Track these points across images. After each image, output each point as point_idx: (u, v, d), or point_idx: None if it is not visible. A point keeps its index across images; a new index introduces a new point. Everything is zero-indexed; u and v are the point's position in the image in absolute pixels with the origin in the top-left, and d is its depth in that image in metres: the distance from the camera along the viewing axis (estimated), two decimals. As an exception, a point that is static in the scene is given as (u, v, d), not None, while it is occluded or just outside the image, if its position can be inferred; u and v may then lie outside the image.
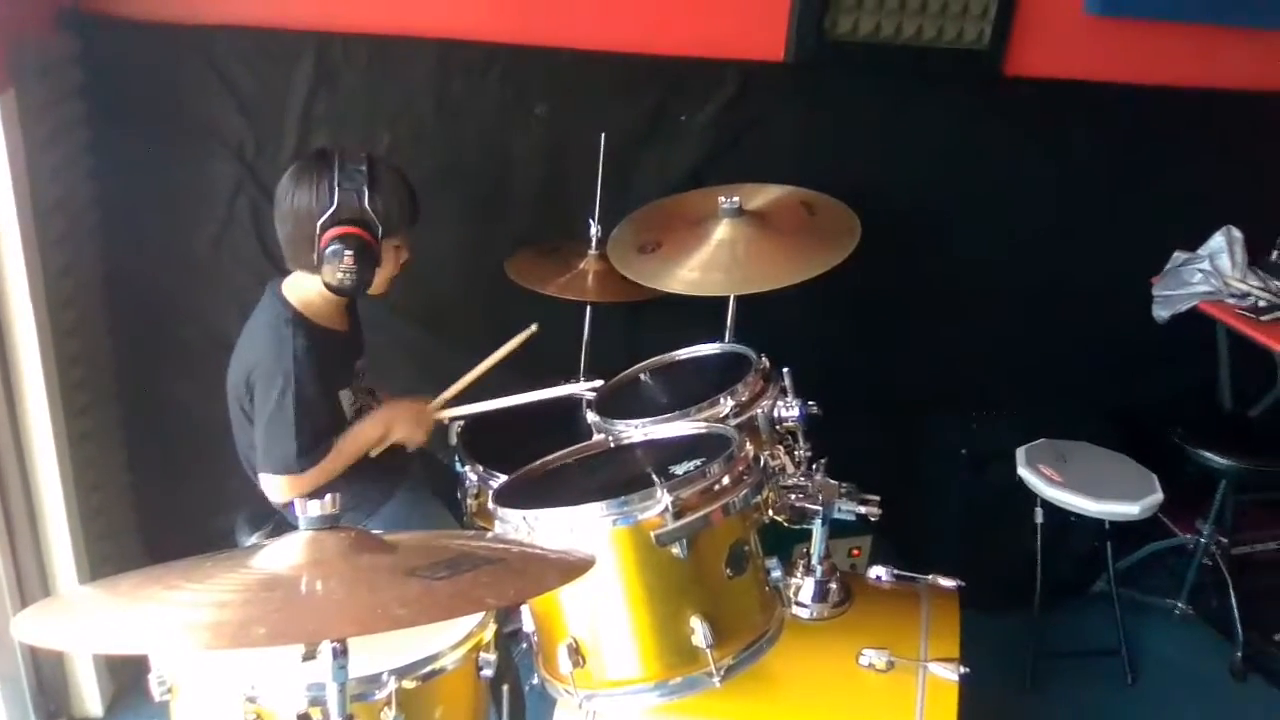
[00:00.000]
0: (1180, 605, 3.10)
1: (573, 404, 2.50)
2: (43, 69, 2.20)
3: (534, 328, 2.28)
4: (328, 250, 1.97)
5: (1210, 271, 3.04)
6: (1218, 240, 3.06)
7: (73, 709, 2.50)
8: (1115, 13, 2.93)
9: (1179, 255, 3.14)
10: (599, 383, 2.22)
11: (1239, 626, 2.92)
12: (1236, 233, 3.04)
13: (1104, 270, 3.15)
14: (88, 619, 1.23)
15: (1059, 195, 3.10)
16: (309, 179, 1.98)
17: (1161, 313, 3.14)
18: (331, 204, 1.96)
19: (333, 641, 1.25)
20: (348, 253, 1.96)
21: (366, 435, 2.14)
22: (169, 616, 1.17)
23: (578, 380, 2.61)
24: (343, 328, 2.19)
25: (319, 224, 1.97)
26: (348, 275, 1.99)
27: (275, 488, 2.06)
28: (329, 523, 1.30)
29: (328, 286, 2.03)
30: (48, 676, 2.43)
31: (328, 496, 1.32)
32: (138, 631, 1.17)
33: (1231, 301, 2.99)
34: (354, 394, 2.19)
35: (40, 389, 2.21)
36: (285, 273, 2.14)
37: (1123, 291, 3.17)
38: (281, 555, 1.27)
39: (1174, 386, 3.29)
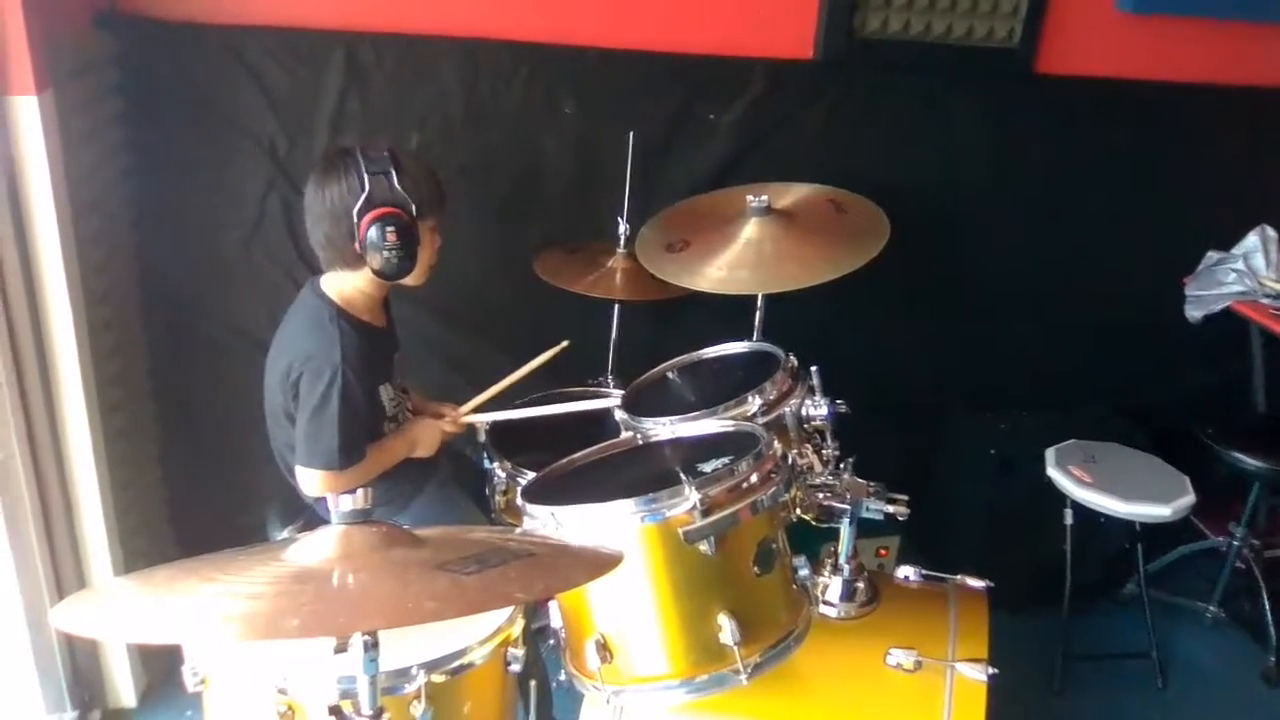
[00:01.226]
0: (1212, 609, 3.07)
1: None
2: (80, 69, 2.23)
3: (565, 344, 2.30)
4: (369, 235, 1.99)
5: (1244, 271, 3.00)
6: (1252, 240, 3.03)
7: (107, 700, 2.54)
8: (1147, 10, 2.91)
9: (1212, 255, 3.11)
10: None
11: (1272, 631, 2.89)
12: (1271, 232, 3.01)
13: (1136, 270, 3.12)
14: (125, 609, 1.25)
15: (1090, 194, 3.07)
16: (336, 175, 2.01)
17: (1194, 313, 3.11)
18: (364, 190, 1.98)
19: (364, 634, 1.26)
20: (389, 230, 1.99)
21: (394, 449, 2.19)
22: (203, 607, 1.18)
23: (605, 382, 2.64)
24: (381, 323, 2.21)
25: (355, 212, 1.99)
26: (393, 254, 2.01)
27: (312, 482, 2.08)
28: (361, 517, 1.32)
29: (375, 272, 2.05)
30: (83, 668, 2.47)
31: (360, 491, 1.32)
32: (173, 622, 1.19)
33: (1266, 302, 2.96)
34: (392, 389, 2.21)
35: (77, 385, 2.24)
36: (319, 272, 2.16)
37: (1155, 291, 3.15)
38: (313, 549, 1.28)
39: (1207, 387, 3.26)
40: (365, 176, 1.99)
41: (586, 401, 2.34)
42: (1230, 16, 2.97)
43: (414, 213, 2.03)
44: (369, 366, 2.09)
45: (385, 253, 2.00)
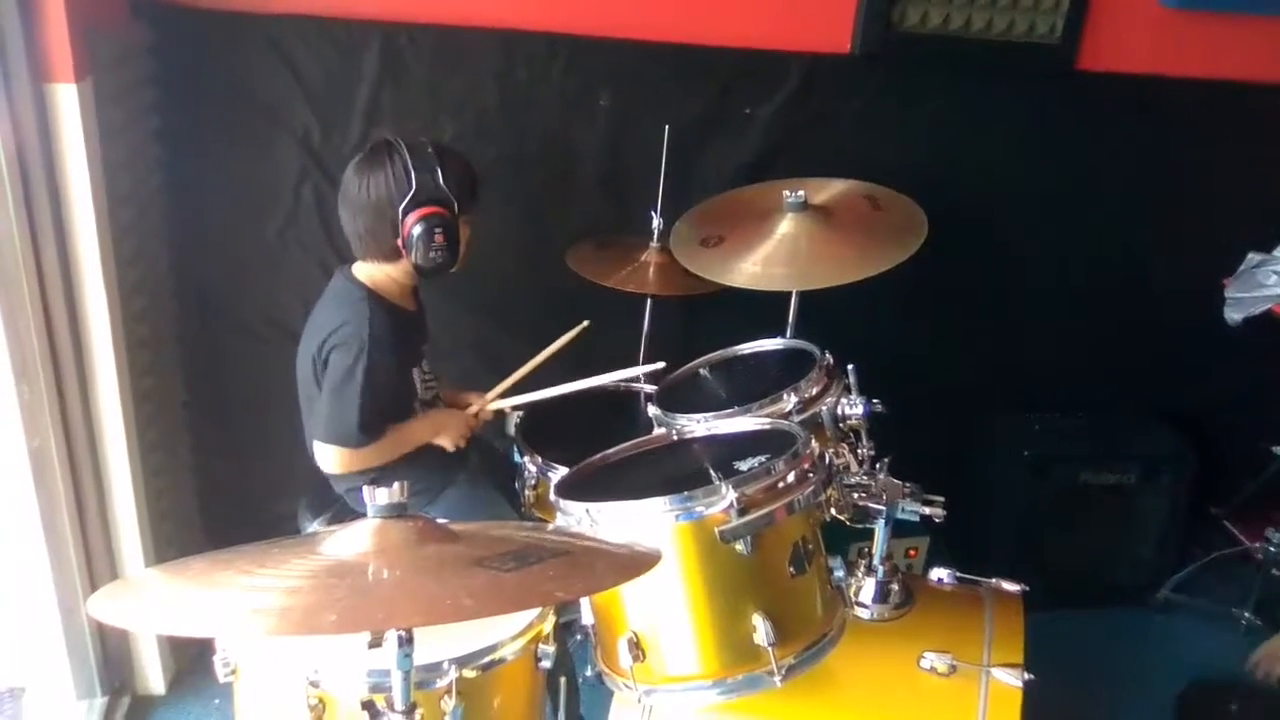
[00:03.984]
0: (1247, 615, 3.02)
1: (632, 396, 2.50)
2: (117, 58, 2.23)
3: (585, 324, 2.28)
4: (415, 233, 1.99)
5: (1286, 273, 2.95)
6: (1295, 241, 2.97)
7: (136, 686, 2.55)
8: (1192, 6, 2.85)
9: (1253, 256, 3.05)
10: (660, 365, 2.21)
11: (1308, 638, 2.84)
12: (1315, 234, 2.95)
13: (1175, 270, 3.07)
14: (161, 600, 1.25)
15: (1131, 193, 3.02)
16: (381, 167, 2.00)
17: (1234, 315, 3.05)
18: (410, 187, 1.98)
19: (399, 629, 1.26)
20: (438, 231, 2.00)
21: (416, 432, 2.18)
22: (240, 600, 1.18)
23: (637, 378, 2.61)
24: (412, 308, 2.21)
25: (400, 208, 1.99)
26: (439, 254, 2.01)
27: (329, 458, 2.08)
28: (396, 511, 1.31)
29: (417, 269, 2.05)
30: (114, 654, 2.48)
31: (395, 484, 1.32)
32: (209, 614, 1.18)
33: (1308, 305, 2.90)
34: (424, 373, 2.22)
35: (110, 373, 2.25)
36: (350, 261, 2.16)
37: (1194, 293, 3.08)
38: (349, 542, 1.27)
39: (1246, 391, 3.20)
40: (412, 173, 1.99)
41: (613, 374, 2.28)
42: (1277, 13, 2.91)
43: (456, 210, 2.03)
44: (398, 346, 2.10)
45: (432, 252, 2.01)
